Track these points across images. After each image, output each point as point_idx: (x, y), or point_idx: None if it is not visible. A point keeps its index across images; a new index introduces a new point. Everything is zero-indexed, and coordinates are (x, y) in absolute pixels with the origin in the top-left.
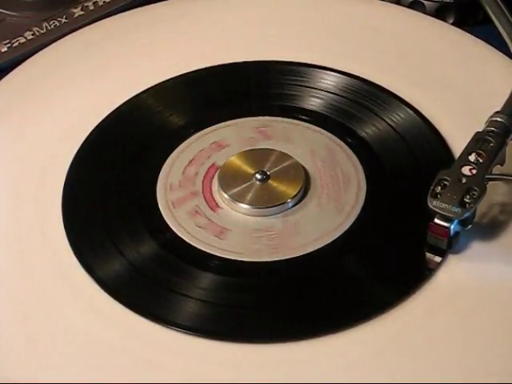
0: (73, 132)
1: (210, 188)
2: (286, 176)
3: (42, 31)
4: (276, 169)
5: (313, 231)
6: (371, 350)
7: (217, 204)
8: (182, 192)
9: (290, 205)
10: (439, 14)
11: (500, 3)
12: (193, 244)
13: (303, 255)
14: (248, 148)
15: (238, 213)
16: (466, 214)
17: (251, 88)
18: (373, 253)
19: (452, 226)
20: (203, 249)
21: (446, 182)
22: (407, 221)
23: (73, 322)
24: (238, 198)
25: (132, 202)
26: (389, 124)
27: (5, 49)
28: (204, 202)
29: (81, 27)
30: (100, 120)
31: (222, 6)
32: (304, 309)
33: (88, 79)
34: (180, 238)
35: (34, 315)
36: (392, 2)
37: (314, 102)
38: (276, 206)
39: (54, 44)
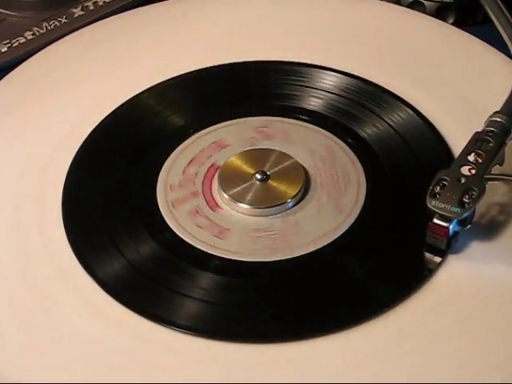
0: (73, 132)
1: (210, 188)
2: (286, 176)
3: (41, 31)
4: (276, 169)
5: (313, 231)
6: (371, 350)
7: (217, 204)
8: (182, 192)
9: (290, 205)
10: (439, 14)
11: (500, 3)
12: (193, 244)
13: (303, 255)
14: (248, 148)
15: (238, 213)
16: (465, 214)
17: (251, 88)
18: (372, 253)
19: (451, 226)
20: (203, 249)
21: (445, 182)
22: (407, 221)
23: (72, 322)
24: (238, 197)
25: (132, 202)
26: (389, 124)
27: (5, 49)
28: (204, 202)
29: (81, 27)
30: (100, 120)
31: (222, 6)
32: (304, 309)
33: (88, 79)
34: (180, 238)
35: (34, 315)
36: (392, 2)
37: (313, 102)
38: (276, 205)
39: (54, 44)
